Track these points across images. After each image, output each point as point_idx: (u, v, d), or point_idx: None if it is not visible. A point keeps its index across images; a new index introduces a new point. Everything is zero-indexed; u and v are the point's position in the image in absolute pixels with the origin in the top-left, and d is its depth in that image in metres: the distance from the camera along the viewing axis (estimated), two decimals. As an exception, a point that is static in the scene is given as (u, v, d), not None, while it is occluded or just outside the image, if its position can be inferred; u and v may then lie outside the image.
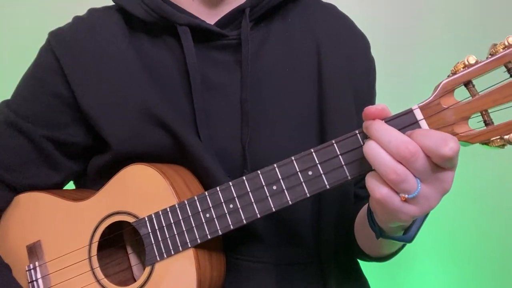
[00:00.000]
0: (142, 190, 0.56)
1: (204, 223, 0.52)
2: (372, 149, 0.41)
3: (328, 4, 0.70)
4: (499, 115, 0.41)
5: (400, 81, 1.11)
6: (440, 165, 0.40)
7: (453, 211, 1.13)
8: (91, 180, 0.64)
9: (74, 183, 0.70)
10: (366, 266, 0.71)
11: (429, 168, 0.40)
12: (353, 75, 0.64)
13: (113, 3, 0.64)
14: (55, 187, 0.64)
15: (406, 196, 0.40)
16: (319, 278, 0.63)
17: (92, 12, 0.64)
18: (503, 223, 1.16)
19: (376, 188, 0.41)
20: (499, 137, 0.40)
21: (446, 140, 0.38)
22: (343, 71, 0.63)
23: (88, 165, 0.64)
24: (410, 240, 0.50)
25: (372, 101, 0.71)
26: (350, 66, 0.64)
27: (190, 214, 0.53)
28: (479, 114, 0.41)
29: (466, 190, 1.09)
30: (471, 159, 1.08)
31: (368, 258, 0.65)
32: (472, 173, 1.11)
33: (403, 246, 0.60)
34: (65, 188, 0.68)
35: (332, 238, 0.63)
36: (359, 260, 0.71)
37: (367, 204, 0.55)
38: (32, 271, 0.61)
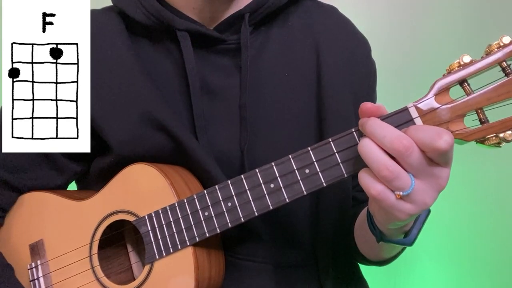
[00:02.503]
0: (143, 189, 0.57)
1: (203, 221, 0.52)
2: (365, 146, 0.41)
3: (329, 7, 0.69)
4: (494, 114, 0.42)
5: (399, 81, 1.12)
6: (434, 160, 0.40)
7: (453, 211, 1.13)
8: (93, 181, 0.65)
9: (76, 184, 0.70)
10: (365, 268, 0.71)
11: (424, 163, 0.40)
12: (353, 80, 0.64)
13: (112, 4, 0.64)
14: (58, 188, 0.65)
15: (401, 193, 0.40)
16: (317, 280, 0.63)
17: (92, 14, 0.65)
18: (503, 223, 1.16)
19: (371, 184, 0.42)
20: (494, 135, 0.41)
21: (441, 134, 0.39)
22: (343, 76, 0.63)
23: (90, 166, 0.65)
24: (411, 243, 0.50)
25: None
26: (350, 71, 0.64)
27: (189, 212, 0.53)
28: (475, 112, 0.42)
29: (466, 190, 1.09)
30: (471, 159, 1.08)
31: (368, 262, 0.65)
32: (472, 173, 1.11)
33: (402, 249, 0.60)
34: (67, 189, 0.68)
35: (330, 240, 0.63)
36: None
37: (366, 208, 0.55)
38: (34, 269, 0.62)
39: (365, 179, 0.42)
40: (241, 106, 0.60)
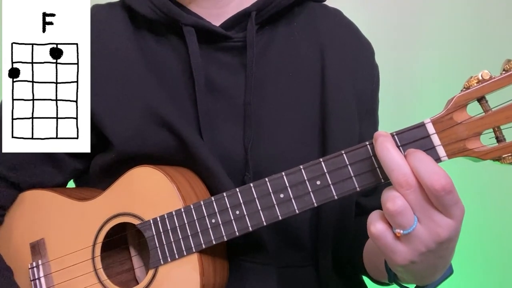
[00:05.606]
0: (148, 193, 0.56)
1: (210, 229, 0.52)
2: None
3: (334, 9, 0.70)
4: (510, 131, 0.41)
5: (403, 85, 1.10)
6: (433, 202, 0.40)
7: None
8: (94, 179, 0.64)
9: (74, 181, 0.69)
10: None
11: (424, 203, 0.40)
12: (357, 82, 0.64)
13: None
14: (58, 186, 0.64)
15: (401, 231, 0.40)
16: (319, 280, 0.64)
17: (96, 9, 0.63)
18: (504, 223, 1.16)
19: (373, 221, 0.42)
20: (510, 154, 0.40)
21: (439, 174, 0.38)
22: (347, 77, 0.63)
23: (90, 164, 0.63)
24: None
25: (375, 108, 0.71)
26: (354, 72, 0.64)
27: (195, 219, 0.53)
28: (491, 130, 0.41)
29: (467, 189, 1.09)
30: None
31: (371, 279, 0.66)
32: (473, 172, 1.11)
33: None
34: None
35: (330, 241, 0.63)
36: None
37: None
38: (35, 269, 0.61)
39: (370, 216, 0.43)
40: (246, 104, 0.59)
